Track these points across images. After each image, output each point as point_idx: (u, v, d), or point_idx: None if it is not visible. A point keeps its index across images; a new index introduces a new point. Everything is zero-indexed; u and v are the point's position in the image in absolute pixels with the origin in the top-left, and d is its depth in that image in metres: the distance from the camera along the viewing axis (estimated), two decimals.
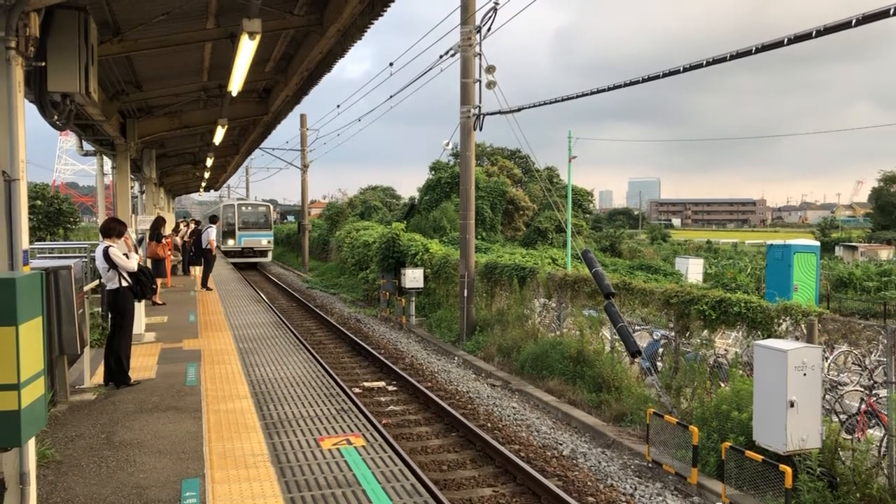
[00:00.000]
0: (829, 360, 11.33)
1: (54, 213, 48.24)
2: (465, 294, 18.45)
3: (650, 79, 12.70)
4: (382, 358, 16.53)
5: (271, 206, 46.88)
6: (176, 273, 24.21)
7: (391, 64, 19.77)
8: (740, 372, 10.57)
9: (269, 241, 44.58)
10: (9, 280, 2.98)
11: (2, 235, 4.89)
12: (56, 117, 6.57)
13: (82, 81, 6.23)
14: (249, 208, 44.82)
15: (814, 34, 9.03)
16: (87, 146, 13.15)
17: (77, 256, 12.58)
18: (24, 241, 5.01)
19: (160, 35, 8.96)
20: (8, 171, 4.94)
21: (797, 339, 10.24)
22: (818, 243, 27.95)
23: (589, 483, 9.49)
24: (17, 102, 4.98)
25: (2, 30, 4.85)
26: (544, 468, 9.94)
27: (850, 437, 9.19)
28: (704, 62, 11.16)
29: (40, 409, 3.30)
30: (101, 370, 9.83)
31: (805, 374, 8.26)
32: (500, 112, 17.99)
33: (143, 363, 10.64)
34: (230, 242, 42.95)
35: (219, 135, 15.35)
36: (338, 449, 6.90)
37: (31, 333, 3.17)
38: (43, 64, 5.99)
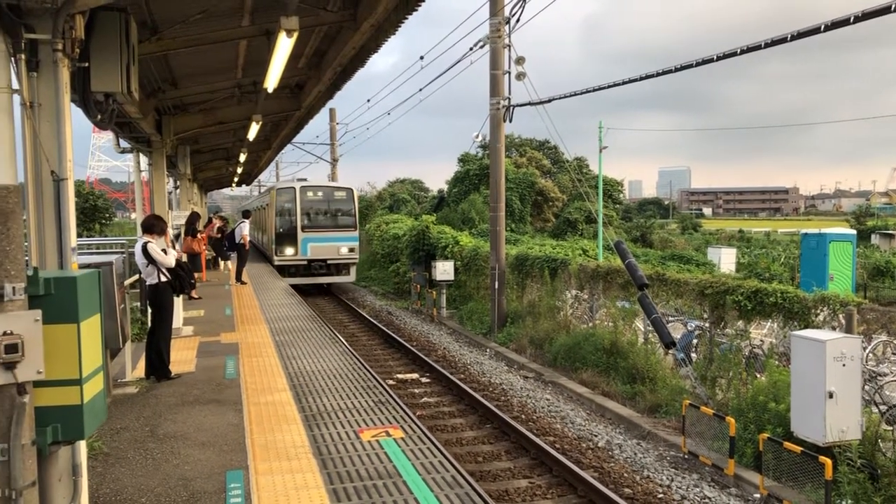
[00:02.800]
0: (867, 351, 11.20)
1: (90, 209, 48.92)
2: (496, 286, 18.48)
3: (682, 68, 12.61)
4: (415, 350, 16.63)
5: (354, 191, 28.56)
6: (210, 268, 24.53)
7: (422, 58, 19.83)
8: (776, 362, 10.50)
9: (352, 249, 27.14)
10: (70, 279, 3.08)
11: (52, 234, 5.03)
12: (99, 116, 6.70)
13: (124, 81, 6.34)
14: (320, 194, 27.71)
15: (852, 20, 8.91)
16: (124, 143, 13.37)
17: (116, 252, 12.80)
18: (72, 239, 5.15)
19: (197, 33, 9.08)
20: (56, 170, 5.06)
21: (835, 329, 10.14)
22: (854, 232, 27.53)
23: (625, 475, 9.50)
24: (64, 104, 5.10)
25: (49, 32, 4.96)
26: (580, 460, 9.96)
27: (890, 428, 9.10)
28: (738, 50, 11.06)
29: (101, 403, 3.41)
30: (141, 364, 10.02)
31: (844, 365, 8.19)
32: (529, 103, 17.96)
33: (182, 357, 10.82)
34: (288, 252, 26.47)
35: (253, 130, 15.50)
36: (377, 440, 6.99)
37: (91, 330, 3.27)
38: (86, 65, 6.11)
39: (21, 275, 3.06)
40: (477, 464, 9.82)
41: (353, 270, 27.63)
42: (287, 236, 26.51)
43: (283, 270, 26.08)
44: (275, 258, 26.60)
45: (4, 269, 3.00)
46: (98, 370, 3.35)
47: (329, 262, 26.63)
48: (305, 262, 26.30)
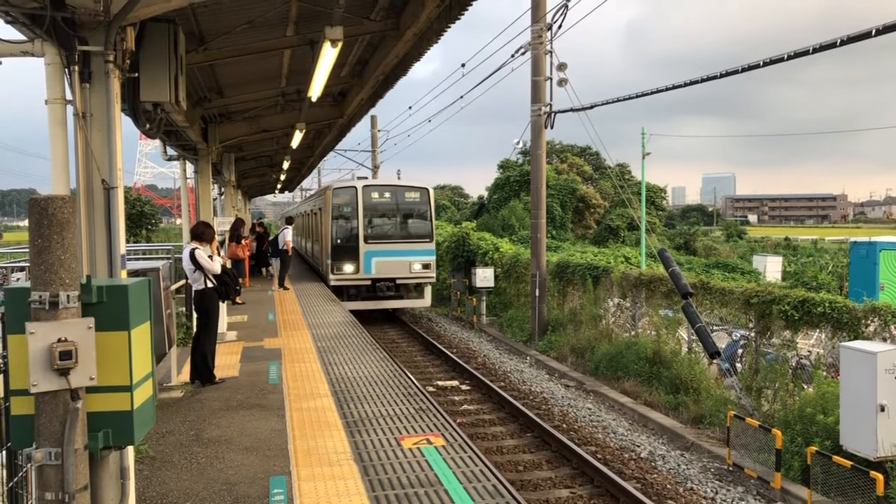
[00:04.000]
0: None
1: (136, 215, 49.92)
2: (537, 293, 18.40)
3: (727, 74, 12.43)
4: (455, 357, 16.63)
5: (430, 191, 22.87)
6: (253, 274, 24.83)
7: (463, 65, 19.84)
8: (824, 373, 10.28)
9: (427, 265, 21.78)
10: (122, 287, 3.15)
11: (102, 241, 5.14)
12: (148, 126, 6.84)
13: (172, 91, 6.46)
14: (387, 196, 22.31)
15: None
16: (171, 151, 13.61)
17: (162, 257, 13.03)
18: (121, 246, 5.25)
19: (242, 43, 9.23)
20: (107, 179, 5.17)
21: (886, 340, 9.90)
22: None
23: (668, 486, 9.38)
24: (115, 114, 5.21)
25: (101, 44, 5.08)
26: (622, 470, 9.85)
27: None
28: (786, 56, 10.87)
29: (150, 409, 3.47)
30: (187, 368, 10.17)
31: None
32: (571, 109, 17.86)
33: (226, 361, 10.96)
34: (346, 268, 21.32)
35: (296, 138, 15.68)
36: (418, 448, 7.00)
37: (142, 337, 3.33)
38: (136, 75, 6.24)
39: (75, 283, 3.13)
40: (518, 473, 9.78)
41: (427, 293, 21.96)
42: (345, 249, 21.19)
43: (341, 292, 21.08)
44: (330, 276, 21.20)
45: (59, 277, 3.07)
46: (148, 376, 3.41)
47: (398, 281, 21.28)
48: (368, 282, 21.14)
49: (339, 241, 21.31)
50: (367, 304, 21.28)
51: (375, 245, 21.14)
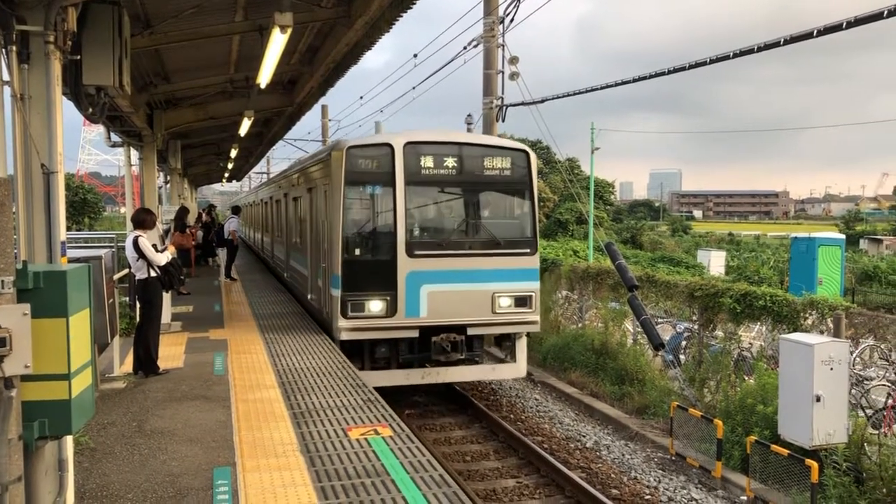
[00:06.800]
0: (854, 355, 11.27)
1: (79, 202, 48.73)
2: None
3: (676, 70, 12.64)
4: None
5: (531, 156, 12.09)
6: (199, 263, 24.43)
7: (415, 55, 19.75)
8: (765, 365, 10.55)
9: (525, 298, 11.63)
10: (60, 273, 3.07)
11: (41, 227, 5.00)
12: (91, 110, 6.67)
13: (116, 74, 6.32)
14: (452, 164, 11.56)
15: (844, 25, 8.95)
16: (115, 137, 13.30)
17: (105, 246, 12.74)
18: (61, 233, 5.12)
19: (189, 28, 9.05)
20: (47, 164, 5.03)
21: (823, 333, 10.20)
22: (843, 236, 27.70)
23: (612, 475, 9.53)
24: (55, 97, 5.07)
25: (41, 24, 4.94)
26: (568, 460, 9.98)
27: (876, 432, 9.16)
28: (731, 54, 11.09)
29: (89, 398, 3.39)
30: (130, 359, 9.97)
31: (832, 369, 8.24)
32: (522, 103, 17.95)
33: (171, 352, 10.77)
34: (373, 306, 11.11)
35: (244, 126, 15.47)
36: (366, 439, 6.97)
37: (81, 325, 3.26)
38: (78, 58, 6.08)
39: (10, 268, 3.04)
40: (465, 463, 9.83)
41: (522, 350, 12.15)
42: (370, 268, 11.37)
43: (358, 351, 11.42)
44: (339, 321, 11.17)
45: None
46: (87, 365, 3.33)
47: (471, 330, 11.56)
48: (415, 332, 11.29)
49: (356, 252, 11.31)
50: (410, 374, 11.48)
51: (428, 260, 11.28)
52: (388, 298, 11.09)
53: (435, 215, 12.18)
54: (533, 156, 12.23)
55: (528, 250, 11.72)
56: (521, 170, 11.88)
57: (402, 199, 11.11)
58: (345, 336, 11.11)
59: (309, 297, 14.18)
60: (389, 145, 11.20)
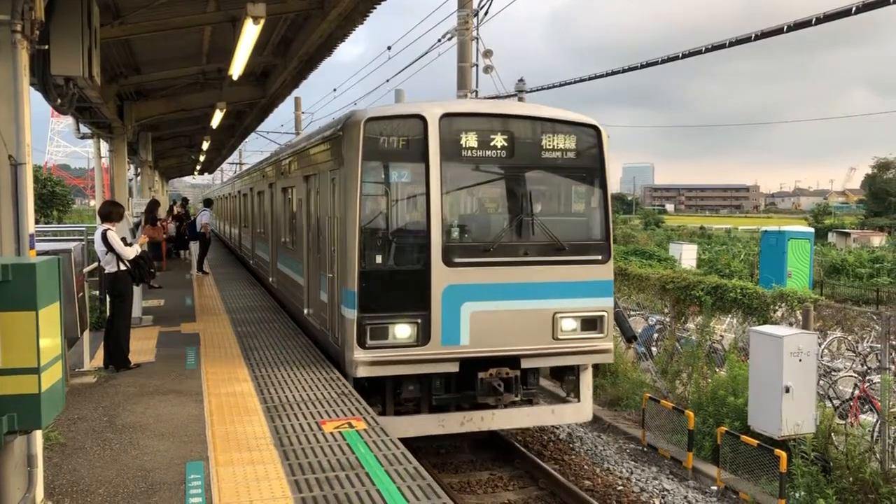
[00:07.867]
0: (822, 346, 11.46)
1: (48, 195, 48.04)
2: None
3: (649, 65, 12.75)
4: None
5: (603, 132, 9.38)
6: (171, 256, 24.19)
7: (389, 48, 19.68)
8: (736, 357, 10.69)
9: (595, 319, 9.14)
10: (29, 266, 3.02)
11: (9, 219, 4.92)
12: (59, 101, 6.57)
13: (85, 65, 6.24)
14: (502, 143, 8.91)
15: (814, 21, 9.08)
16: (84, 129, 13.13)
17: (75, 239, 12.57)
18: (30, 225, 5.04)
19: (161, 18, 8.94)
20: (14, 155, 4.96)
21: (792, 325, 10.35)
22: (812, 230, 28.10)
23: (585, 467, 9.61)
24: (22, 87, 4.99)
25: (7, 13, 4.86)
26: (541, 452, 10.05)
27: (843, 422, 9.33)
28: (703, 48, 11.21)
29: (59, 393, 3.35)
30: (100, 353, 9.85)
31: (800, 360, 8.37)
32: (497, 97, 17.98)
33: (142, 346, 10.66)
34: (400, 332, 8.56)
35: (216, 118, 15.33)
36: (340, 432, 6.96)
37: (51, 318, 3.21)
38: (46, 47, 5.98)
39: None
40: (439, 456, 9.85)
41: (588, 387, 9.70)
42: (396, 281, 8.81)
43: (378, 390, 9.05)
44: (354, 354, 8.57)
45: None
46: (56, 359, 3.29)
47: (525, 363, 9.08)
48: (454, 365, 8.76)
49: (377, 259, 8.79)
50: (446, 421, 9.05)
51: (472, 271, 8.82)
52: (420, 321, 8.54)
53: (480, 211, 9.87)
54: (605, 133, 9.51)
55: (600, 256, 9.25)
56: (591, 151, 9.38)
57: (437, 190, 8.53)
58: (362, 372, 8.55)
59: (306, 312, 11.59)
60: (421, 117, 8.56)
